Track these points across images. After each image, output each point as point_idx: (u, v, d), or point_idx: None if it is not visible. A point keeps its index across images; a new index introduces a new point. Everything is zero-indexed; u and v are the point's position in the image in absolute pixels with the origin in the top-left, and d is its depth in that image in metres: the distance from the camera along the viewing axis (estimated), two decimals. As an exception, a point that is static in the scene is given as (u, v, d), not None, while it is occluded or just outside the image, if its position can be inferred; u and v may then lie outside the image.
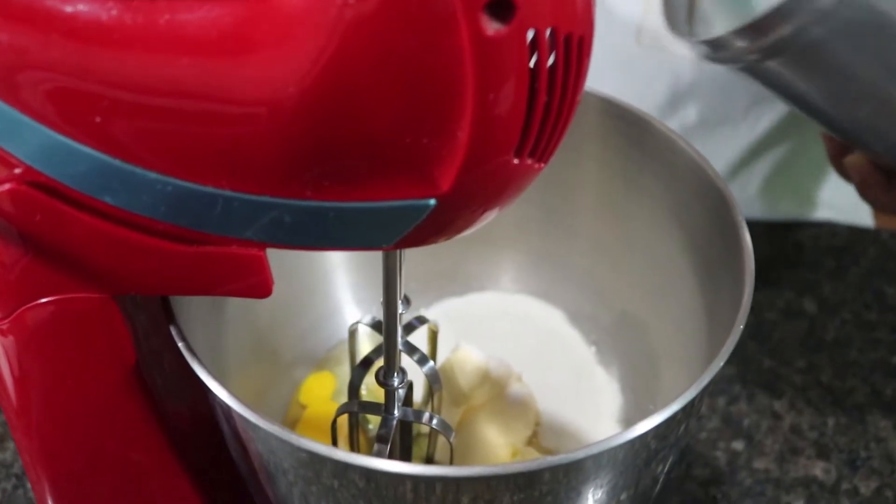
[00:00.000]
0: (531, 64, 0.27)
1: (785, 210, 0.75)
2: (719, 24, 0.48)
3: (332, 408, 0.51)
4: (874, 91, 0.44)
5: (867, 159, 0.51)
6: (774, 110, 0.69)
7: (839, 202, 0.76)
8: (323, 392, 0.55)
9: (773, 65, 0.44)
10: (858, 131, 0.48)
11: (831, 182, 0.77)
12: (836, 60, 0.43)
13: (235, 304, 0.48)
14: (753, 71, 0.46)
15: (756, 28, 0.42)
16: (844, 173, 0.54)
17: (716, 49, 0.45)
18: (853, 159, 0.52)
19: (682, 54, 0.64)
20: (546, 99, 0.28)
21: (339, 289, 0.57)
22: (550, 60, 0.28)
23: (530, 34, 0.27)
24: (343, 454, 0.34)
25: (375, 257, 0.39)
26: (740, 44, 0.43)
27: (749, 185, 0.73)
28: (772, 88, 0.48)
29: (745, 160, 0.71)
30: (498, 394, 0.53)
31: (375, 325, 0.47)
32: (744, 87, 0.67)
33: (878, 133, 0.47)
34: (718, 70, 0.65)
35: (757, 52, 0.43)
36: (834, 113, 0.47)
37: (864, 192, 0.52)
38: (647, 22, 0.63)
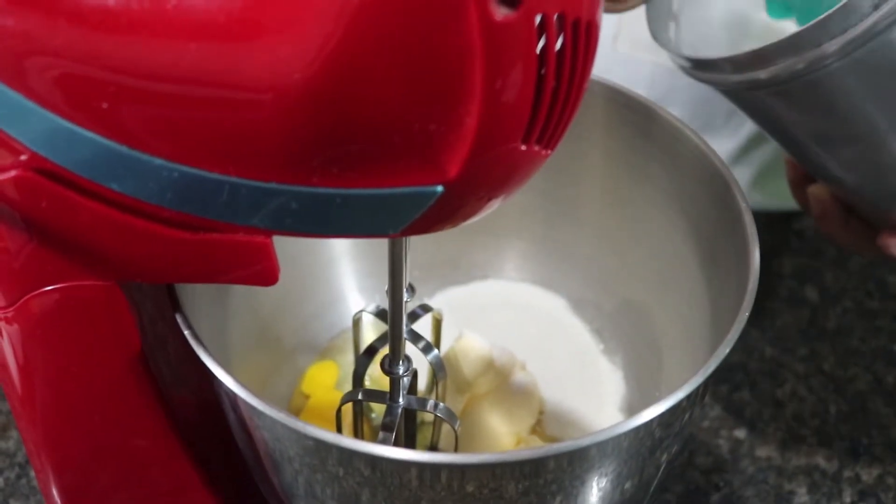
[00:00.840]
0: (539, 49, 0.27)
1: (771, 205, 0.74)
2: (712, 45, 0.48)
3: (336, 396, 0.51)
4: (868, 135, 0.43)
5: (830, 192, 0.50)
6: None
7: None
8: (326, 381, 0.55)
9: (760, 94, 0.42)
10: (833, 168, 0.46)
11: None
12: (835, 100, 0.41)
13: (239, 292, 0.48)
14: (735, 96, 0.44)
15: (756, 58, 0.40)
16: (804, 201, 0.53)
17: (701, 68, 0.43)
18: (816, 190, 0.51)
19: (660, 61, 0.64)
20: (554, 84, 0.28)
21: (342, 277, 0.57)
22: (558, 45, 0.28)
23: (538, 19, 0.27)
24: (349, 441, 0.34)
25: (379, 246, 0.39)
26: (732, 71, 0.42)
27: None
28: (748, 112, 0.46)
29: (729, 165, 0.71)
30: (502, 382, 0.53)
31: (380, 314, 0.47)
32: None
33: (856, 173, 0.46)
34: None
35: (748, 82, 0.41)
36: (814, 148, 0.45)
37: (822, 225, 0.52)
38: (624, 28, 0.63)
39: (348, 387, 0.46)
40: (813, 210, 0.52)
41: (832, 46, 0.38)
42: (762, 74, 0.40)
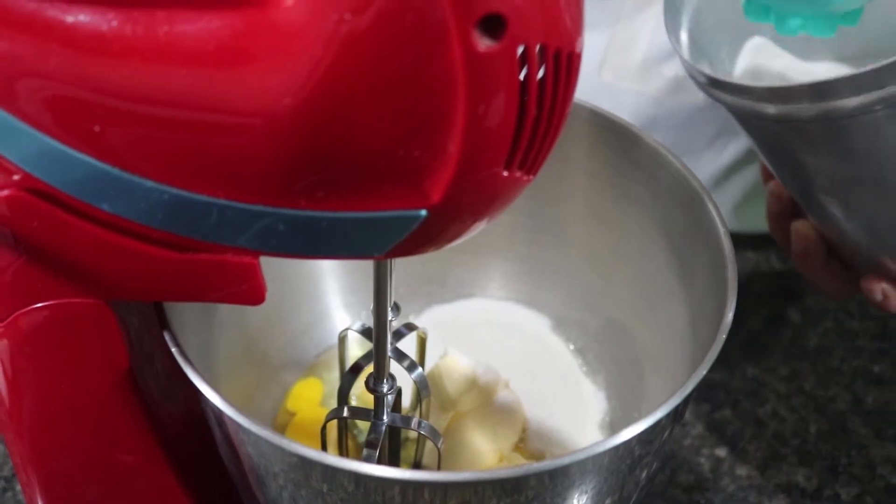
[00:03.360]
0: (521, 78, 0.28)
1: (752, 228, 0.75)
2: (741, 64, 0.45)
3: (321, 413, 0.52)
4: (890, 181, 0.40)
5: (816, 230, 0.48)
6: (739, 141, 0.69)
7: None
8: (311, 397, 0.55)
9: (780, 126, 0.40)
10: (836, 209, 0.44)
11: None
12: (868, 145, 0.39)
13: (226, 310, 0.49)
14: (745, 121, 0.42)
15: (792, 93, 0.38)
16: (782, 237, 0.52)
17: (726, 91, 0.41)
18: (801, 227, 0.49)
19: (643, 91, 0.64)
20: (535, 113, 0.29)
21: (328, 294, 0.57)
22: (540, 75, 0.28)
23: (520, 50, 0.27)
24: (333, 459, 0.35)
25: (365, 264, 0.39)
26: (767, 100, 0.39)
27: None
28: (754, 137, 0.44)
29: (710, 188, 0.71)
30: (485, 400, 0.53)
31: (365, 332, 0.47)
32: (706, 122, 0.66)
33: (861, 216, 0.44)
34: (682, 107, 0.65)
35: (779, 116, 0.39)
36: (822, 186, 0.43)
37: (801, 262, 0.50)
38: (608, 58, 0.64)
39: (334, 403, 0.46)
40: (794, 246, 0.50)
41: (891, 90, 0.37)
42: (796, 111, 0.39)
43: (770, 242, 0.73)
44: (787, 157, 0.44)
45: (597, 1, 0.60)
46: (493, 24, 0.27)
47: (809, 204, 0.47)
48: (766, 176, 0.53)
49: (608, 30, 0.63)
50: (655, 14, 0.60)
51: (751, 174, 0.71)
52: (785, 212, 0.51)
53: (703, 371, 0.38)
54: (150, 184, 0.30)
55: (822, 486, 0.58)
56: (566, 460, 0.35)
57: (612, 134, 0.49)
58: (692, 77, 0.44)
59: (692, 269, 0.47)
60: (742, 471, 0.59)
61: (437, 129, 0.28)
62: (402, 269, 0.42)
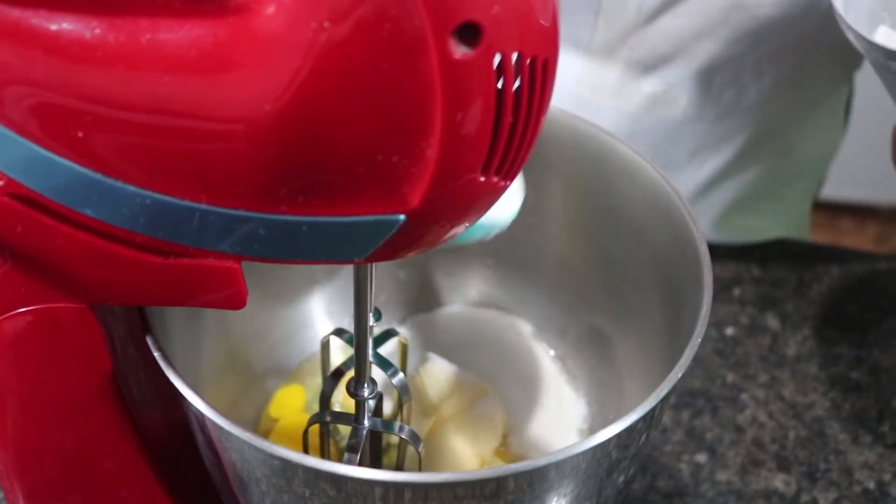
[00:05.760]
0: (498, 86, 0.29)
1: (733, 239, 0.76)
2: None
3: (303, 419, 0.52)
4: None
5: None
6: (719, 156, 0.69)
7: (782, 231, 0.78)
8: (294, 404, 0.56)
9: None
10: None
11: (776, 217, 0.78)
12: None
13: (210, 318, 0.49)
14: None
15: None
16: None
17: None
18: None
19: (622, 106, 0.65)
20: (511, 120, 0.30)
21: (311, 301, 0.58)
22: (516, 83, 0.29)
23: (497, 58, 0.28)
24: (314, 461, 0.35)
25: (347, 271, 0.40)
26: None
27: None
28: None
29: (690, 202, 0.71)
30: (466, 406, 0.54)
31: (347, 338, 0.47)
32: (686, 138, 0.67)
33: None
34: (660, 122, 0.66)
35: None
36: None
37: None
38: (587, 73, 0.64)
39: (316, 410, 0.46)
40: None
41: None
42: None
43: (750, 252, 0.75)
44: None
45: (574, 15, 0.61)
46: (470, 33, 0.27)
47: None
48: None
49: (585, 45, 0.63)
50: (631, 29, 0.61)
51: (731, 188, 0.72)
52: None
53: (678, 373, 0.38)
54: (132, 189, 0.31)
55: (800, 491, 0.59)
56: (544, 461, 0.35)
57: (591, 142, 0.50)
58: (866, 52, 0.47)
59: (670, 277, 0.47)
60: (722, 476, 0.60)
61: (416, 135, 0.29)
62: (382, 277, 0.42)
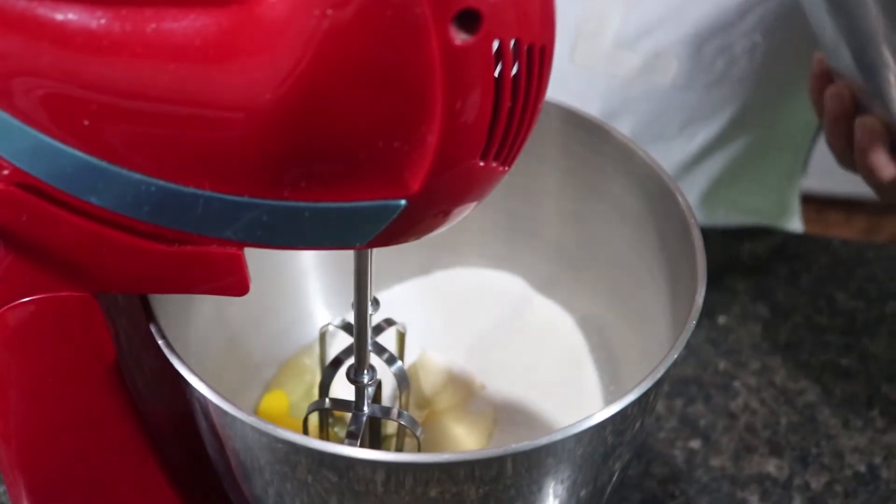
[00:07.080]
0: (496, 73, 0.29)
1: (720, 219, 0.77)
2: None
3: (293, 422, 0.52)
4: None
5: (881, 121, 0.51)
6: (709, 128, 0.70)
7: (769, 210, 0.79)
8: (280, 409, 0.55)
9: None
10: None
11: (763, 192, 0.79)
12: None
13: (210, 307, 0.50)
14: None
15: None
16: (842, 141, 0.55)
17: None
18: (868, 120, 0.52)
19: (615, 73, 0.66)
20: (510, 105, 0.30)
21: (310, 293, 0.58)
22: (514, 69, 0.30)
23: (495, 44, 0.29)
24: (318, 443, 0.35)
25: (345, 263, 0.40)
26: None
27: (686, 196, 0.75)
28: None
29: (680, 175, 0.73)
30: (461, 400, 0.54)
31: (345, 327, 0.48)
32: (678, 107, 0.68)
33: None
34: (653, 90, 0.66)
35: None
36: None
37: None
38: (580, 41, 0.65)
39: (302, 411, 0.47)
40: (858, 143, 0.53)
41: None
42: None
43: (740, 241, 0.75)
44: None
45: None
46: (469, 19, 0.28)
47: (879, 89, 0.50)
48: (817, 91, 0.56)
49: (578, 14, 0.64)
50: None
51: (719, 160, 0.72)
52: (848, 112, 0.54)
53: (674, 355, 0.39)
54: (137, 176, 0.31)
55: (792, 475, 0.60)
56: (542, 441, 0.35)
57: (584, 130, 0.50)
58: None
59: (665, 263, 0.48)
60: (715, 462, 0.60)
61: (416, 121, 0.29)
62: (382, 273, 0.42)
